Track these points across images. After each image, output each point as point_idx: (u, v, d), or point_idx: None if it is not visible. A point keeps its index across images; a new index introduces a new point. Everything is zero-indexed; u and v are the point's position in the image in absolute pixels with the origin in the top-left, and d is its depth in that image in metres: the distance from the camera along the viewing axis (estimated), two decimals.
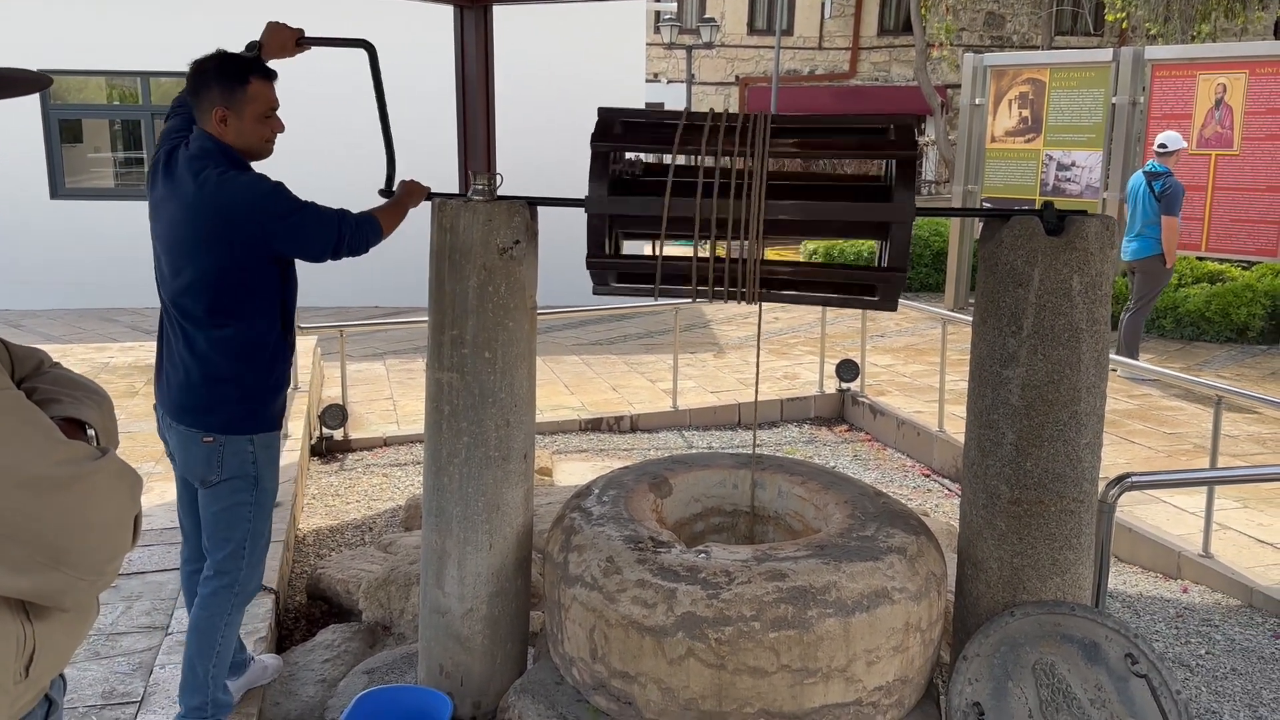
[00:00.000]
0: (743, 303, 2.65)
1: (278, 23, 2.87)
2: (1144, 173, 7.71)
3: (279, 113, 2.76)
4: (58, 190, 10.92)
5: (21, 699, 1.27)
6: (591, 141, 2.64)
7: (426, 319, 2.87)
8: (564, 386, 7.64)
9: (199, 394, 2.67)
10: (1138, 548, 4.61)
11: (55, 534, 1.18)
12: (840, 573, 2.44)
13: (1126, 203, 7.92)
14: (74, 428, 1.34)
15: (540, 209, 2.87)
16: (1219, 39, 17.42)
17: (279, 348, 2.77)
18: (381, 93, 3.00)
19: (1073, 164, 9.77)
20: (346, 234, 2.67)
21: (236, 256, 2.60)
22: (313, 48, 2.94)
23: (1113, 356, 5.59)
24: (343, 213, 2.71)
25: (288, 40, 2.87)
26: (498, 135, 5.09)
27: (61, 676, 1.43)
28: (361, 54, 2.92)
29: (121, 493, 1.27)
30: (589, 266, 2.76)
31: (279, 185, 2.64)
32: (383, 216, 2.81)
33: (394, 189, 2.95)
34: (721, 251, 2.63)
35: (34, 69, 1.29)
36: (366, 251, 2.76)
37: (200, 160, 2.61)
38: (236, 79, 2.65)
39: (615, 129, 2.68)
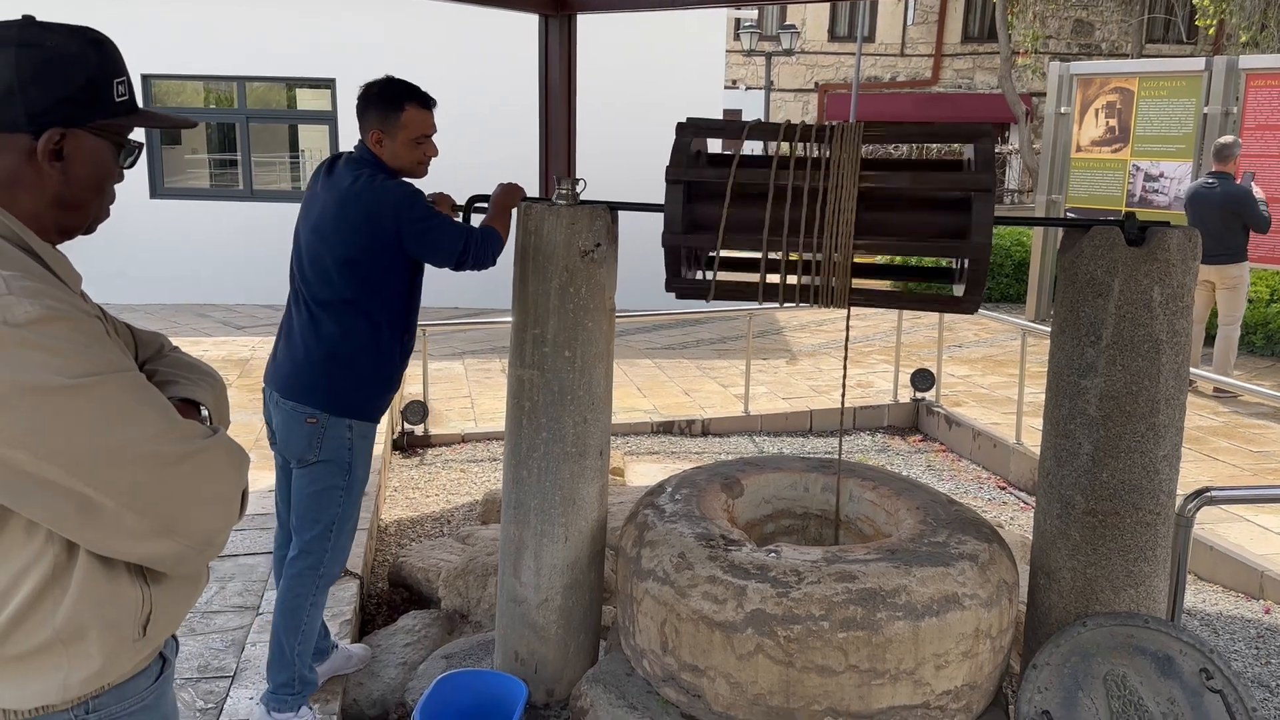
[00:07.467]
0: (828, 307, 2.68)
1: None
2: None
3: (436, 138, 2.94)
4: (157, 189, 11.35)
5: (140, 654, 1.39)
6: (666, 176, 2.66)
7: (504, 320, 2.97)
8: (636, 389, 7.72)
9: (313, 371, 2.82)
10: (1219, 566, 4.51)
11: (170, 505, 1.27)
12: (910, 577, 2.47)
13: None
14: (189, 407, 1.45)
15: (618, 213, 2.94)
16: None
17: (393, 345, 2.92)
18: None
19: (1161, 175, 9.54)
20: (472, 245, 2.81)
21: (372, 247, 2.79)
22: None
23: (1196, 371, 5.47)
24: (469, 228, 2.88)
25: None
26: (577, 139, 5.19)
27: (174, 638, 1.55)
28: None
29: (231, 469, 1.37)
30: (669, 288, 2.82)
31: (417, 193, 2.84)
32: (498, 225, 2.95)
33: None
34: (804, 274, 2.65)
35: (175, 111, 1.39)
36: (493, 263, 2.89)
37: (358, 165, 2.85)
38: (391, 105, 2.84)
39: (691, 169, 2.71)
